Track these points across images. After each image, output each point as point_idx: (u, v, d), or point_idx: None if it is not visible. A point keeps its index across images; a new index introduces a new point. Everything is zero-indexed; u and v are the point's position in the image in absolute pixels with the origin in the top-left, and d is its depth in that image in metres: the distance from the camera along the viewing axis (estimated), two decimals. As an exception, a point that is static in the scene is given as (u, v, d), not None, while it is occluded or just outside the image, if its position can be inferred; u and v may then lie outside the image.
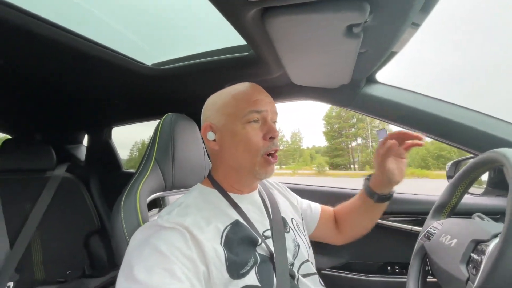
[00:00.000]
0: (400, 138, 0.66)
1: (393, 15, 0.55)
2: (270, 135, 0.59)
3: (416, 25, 0.68)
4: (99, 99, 1.38)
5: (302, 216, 0.80)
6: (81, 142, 1.85)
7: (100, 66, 0.98)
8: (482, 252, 0.47)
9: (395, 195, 1.12)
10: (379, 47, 0.70)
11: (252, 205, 0.65)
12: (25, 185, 1.39)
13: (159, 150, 0.79)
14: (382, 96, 0.95)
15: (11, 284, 1.15)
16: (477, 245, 0.51)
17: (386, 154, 0.65)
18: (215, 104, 0.64)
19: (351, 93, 0.98)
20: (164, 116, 0.83)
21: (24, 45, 0.81)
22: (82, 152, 1.85)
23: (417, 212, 1.09)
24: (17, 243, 1.22)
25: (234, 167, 0.62)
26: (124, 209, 0.67)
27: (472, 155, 0.94)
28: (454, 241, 0.57)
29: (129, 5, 1.03)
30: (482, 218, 0.73)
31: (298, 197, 0.86)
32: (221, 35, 0.95)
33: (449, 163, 1.15)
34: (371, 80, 0.98)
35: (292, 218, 0.72)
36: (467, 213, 0.84)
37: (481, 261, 0.46)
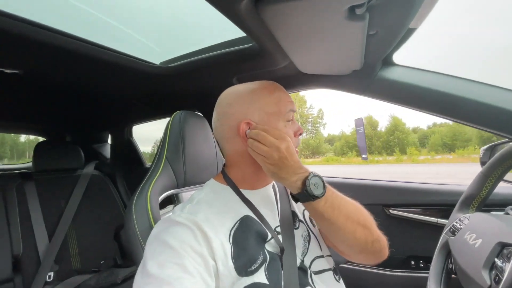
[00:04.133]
0: None
1: None
2: (300, 132, 0.65)
3: None
4: (117, 101, 1.44)
5: None
6: (106, 141, 1.96)
7: (114, 69, 1.03)
8: (507, 259, 0.42)
9: (419, 185, 1.04)
10: (392, 27, 0.63)
11: (263, 200, 0.64)
12: (59, 184, 1.51)
13: (169, 149, 0.80)
14: (401, 79, 0.87)
15: (51, 273, 1.27)
16: (503, 249, 0.45)
17: None
18: (251, 101, 0.61)
19: (366, 79, 0.91)
20: (174, 114, 0.84)
21: (45, 56, 0.88)
22: (107, 150, 1.96)
23: (445, 204, 1.01)
24: (55, 237, 1.34)
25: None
26: (136, 209, 0.69)
27: (508, 139, 0.83)
28: (479, 241, 0.51)
29: (132, 7, 1.03)
30: None
31: None
32: (225, 27, 0.93)
33: (483, 148, 1.04)
34: (388, 62, 0.89)
35: (304, 210, 0.70)
36: (502, 204, 0.75)
37: (505, 269, 0.41)
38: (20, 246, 1.23)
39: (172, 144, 0.80)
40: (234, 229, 0.54)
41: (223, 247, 0.51)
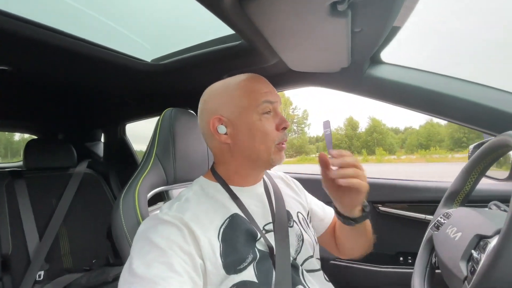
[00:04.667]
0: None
1: None
2: (283, 125, 0.60)
3: None
4: (109, 98, 1.44)
5: (310, 216, 0.77)
6: (99, 139, 1.95)
7: (105, 66, 1.02)
8: (483, 250, 0.43)
9: (409, 182, 1.05)
10: (376, 24, 0.64)
11: (253, 198, 0.63)
12: (51, 182, 1.50)
13: (159, 146, 0.80)
14: (389, 77, 0.88)
15: (41, 273, 1.26)
16: (480, 241, 0.46)
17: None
18: (223, 96, 0.61)
19: (355, 76, 0.92)
20: (164, 111, 0.84)
21: (36, 54, 0.88)
22: (100, 149, 1.95)
23: (433, 200, 1.02)
24: (45, 236, 1.33)
25: (250, 158, 0.60)
26: (124, 205, 0.69)
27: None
28: (459, 234, 0.52)
29: (123, 4, 1.04)
30: (499, 207, 0.66)
31: (308, 194, 0.82)
32: (216, 24, 0.94)
33: (472, 146, 1.06)
34: (376, 60, 0.90)
35: (298, 212, 0.70)
36: (485, 200, 0.77)
37: (480, 260, 0.42)
38: (9, 245, 1.22)
39: (162, 141, 0.80)
40: (223, 227, 0.54)
41: (212, 245, 0.50)
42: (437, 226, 0.65)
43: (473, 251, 0.45)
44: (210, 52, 0.97)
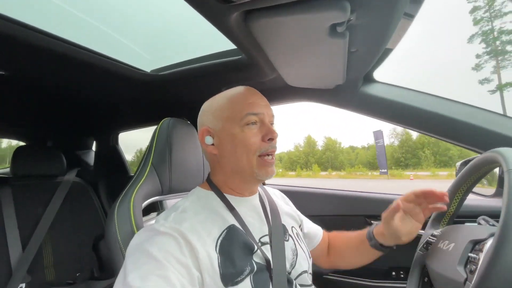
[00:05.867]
0: (424, 198, 0.63)
1: (379, 11, 0.53)
2: (269, 136, 0.59)
3: (410, 17, 0.65)
4: (104, 106, 1.42)
5: (303, 233, 0.78)
6: (90, 147, 1.91)
7: (103, 74, 1.02)
8: (480, 251, 0.45)
9: (384, 196, 1.08)
10: (371, 46, 0.68)
11: (249, 209, 0.63)
12: (37, 190, 1.45)
13: (155, 155, 0.80)
14: (381, 95, 0.92)
15: (23, 285, 1.19)
16: (475, 245, 0.48)
17: (394, 210, 0.63)
18: (211, 108, 0.64)
19: (349, 93, 0.96)
20: (162, 121, 0.85)
21: (33, 59, 0.87)
22: (91, 157, 1.91)
23: None
24: (29, 246, 1.27)
25: (235, 170, 0.61)
26: (118, 215, 0.67)
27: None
28: (452, 245, 0.54)
29: (127, 15, 1.06)
30: (487, 222, 0.69)
31: (301, 215, 0.83)
32: (216, 38, 0.97)
33: (458, 163, 1.10)
34: (369, 79, 0.95)
35: (292, 227, 0.70)
36: (473, 215, 0.79)
37: (479, 259, 0.44)
38: None
39: (159, 150, 0.79)
40: (221, 238, 0.54)
41: (210, 257, 0.50)
42: (426, 247, 0.67)
43: (469, 254, 0.47)
44: (209, 65, 0.99)
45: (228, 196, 0.62)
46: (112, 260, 0.63)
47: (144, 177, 0.77)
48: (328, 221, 1.22)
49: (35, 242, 1.30)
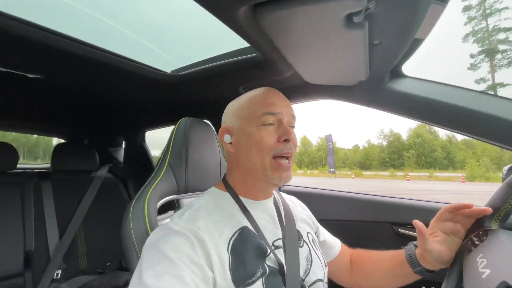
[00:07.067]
0: (459, 213, 0.59)
1: None
2: (285, 137, 0.57)
3: (442, 2, 0.57)
4: (130, 107, 1.50)
5: (319, 242, 0.75)
6: (120, 145, 2.03)
7: (128, 77, 1.08)
8: None
9: (433, 204, 0.98)
10: (396, 37, 0.61)
11: (263, 212, 0.62)
12: (73, 184, 1.58)
13: (172, 155, 0.81)
14: (410, 91, 0.84)
15: (59, 271, 1.30)
16: None
17: (422, 237, 0.58)
18: (233, 107, 0.64)
19: (374, 90, 0.88)
20: (179, 121, 0.86)
21: (66, 64, 0.94)
22: (121, 154, 2.02)
23: None
24: (65, 236, 1.39)
25: (249, 170, 0.60)
26: (133, 213, 0.69)
27: None
28: (487, 272, 0.46)
29: (146, 17, 1.09)
30: None
31: (319, 225, 0.79)
32: (233, 36, 0.96)
33: (506, 168, 0.97)
34: (396, 73, 0.86)
35: (308, 233, 0.68)
36: None
37: None
38: (33, 242, 1.28)
39: (176, 150, 0.81)
40: (233, 239, 0.53)
41: (220, 258, 0.49)
42: (469, 247, 0.58)
43: None
44: (227, 64, 0.98)
45: (242, 198, 0.62)
46: (127, 258, 0.65)
47: (160, 176, 0.79)
48: (350, 227, 1.15)
49: (71, 232, 1.41)
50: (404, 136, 43.40)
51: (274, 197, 0.69)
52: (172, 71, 1.16)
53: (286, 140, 0.57)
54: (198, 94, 1.22)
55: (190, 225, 0.51)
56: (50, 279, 1.25)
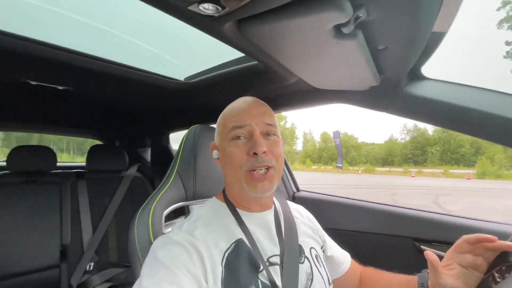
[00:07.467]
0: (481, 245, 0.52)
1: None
2: (253, 150, 0.55)
3: None
4: (152, 112, 1.58)
5: (325, 257, 0.71)
6: (148, 146, 2.15)
7: (146, 87, 1.17)
8: None
9: (464, 220, 0.89)
10: (403, 39, 0.54)
11: (259, 226, 0.61)
12: (106, 183, 1.71)
13: (181, 162, 0.83)
14: (431, 95, 0.74)
15: (92, 264, 1.44)
16: None
17: (434, 270, 0.52)
18: (217, 123, 0.66)
19: (389, 95, 0.80)
20: (189, 129, 0.87)
21: (91, 78, 1.06)
22: (149, 154, 2.15)
23: None
24: (97, 230, 1.52)
25: (231, 184, 0.63)
26: (138, 223, 0.71)
27: None
28: None
29: (161, 30, 1.13)
30: None
31: (326, 236, 0.76)
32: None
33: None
34: (415, 76, 0.77)
35: (311, 248, 0.65)
36: None
37: None
38: (68, 236, 1.43)
39: (185, 158, 0.82)
40: (228, 251, 0.53)
41: (214, 272, 0.50)
42: (490, 285, 0.50)
43: None
44: (234, 71, 0.98)
45: (239, 210, 0.61)
46: (132, 264, 0.68)
47: (168, 184, 0.81)
48: (367, 239, 1.08)
49: (102, 227, 1.55)
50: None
51: (276, 209, 0.67)
52: (185, 79, 1.19)
53: (255, 154, 0.55)
54: (210, 100, 1.24)
55: (188, 235, 0.52)
56: (83, 271, 1.39)
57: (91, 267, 1.43)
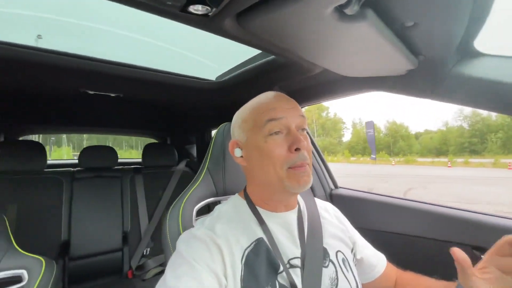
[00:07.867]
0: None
1: None
2: (296, 146, 0.53)
3: None
4: (191, 112, 1.70)
5: (357, 260, 0.66)
6: (193, 143, 2.31)
7: (184, 90, 1.26)
8: None
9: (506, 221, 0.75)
10: (436, 9, 0.45)
11: (281, 226, 0.59)
12: (159, 177, 1.91)
13: (211, 159, 0.86)
14: (490, 76, 0.60)
15: (148, 249, 1.64)
16: None
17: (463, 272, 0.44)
18: (238, 120, 0.63)
19: (434, 78, 0.68)
20: (219, 127, 0.90)
21: (138, 86, 1.19)
22: (195, 151, 2.30)
23: None
24: (153, 219, 1.72)
25: (264, 183, 0.58)
26: (170, 218, 0.77)
27: None
28: None
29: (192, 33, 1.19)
30: None
31: (358, 235, 0.70)
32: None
33: None
34: (467, 52, 0.63)
35: (338, 251, 0.61)
36: None
37: None
38: (129, 224, 1.65)
39: (215, 155, 0.85)
40: (248, 250, 0.53)
41: (234, 268, 0.50)
42: None
43: None
44: (261, 65, 0.97)
45: (260, 209, 0.60)
46: (165, 255, 0.74)
47: (199, 181, 0.86)
48: (413, 244, 0.96)
49: (157, 216, 1.73)
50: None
51: (299, 208, 0.64)
52: (216, 78, 1.23)
53: (298, 149, 0.52)
54: (238, 97, 1.25)
55: (210, 231, 0.54)
56: (140, 255, 1.59)
57: (147, 252, 1.63)
